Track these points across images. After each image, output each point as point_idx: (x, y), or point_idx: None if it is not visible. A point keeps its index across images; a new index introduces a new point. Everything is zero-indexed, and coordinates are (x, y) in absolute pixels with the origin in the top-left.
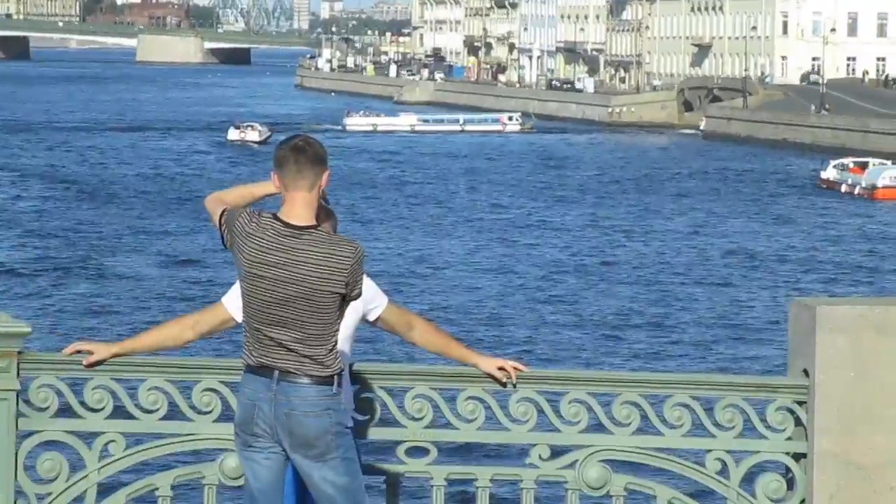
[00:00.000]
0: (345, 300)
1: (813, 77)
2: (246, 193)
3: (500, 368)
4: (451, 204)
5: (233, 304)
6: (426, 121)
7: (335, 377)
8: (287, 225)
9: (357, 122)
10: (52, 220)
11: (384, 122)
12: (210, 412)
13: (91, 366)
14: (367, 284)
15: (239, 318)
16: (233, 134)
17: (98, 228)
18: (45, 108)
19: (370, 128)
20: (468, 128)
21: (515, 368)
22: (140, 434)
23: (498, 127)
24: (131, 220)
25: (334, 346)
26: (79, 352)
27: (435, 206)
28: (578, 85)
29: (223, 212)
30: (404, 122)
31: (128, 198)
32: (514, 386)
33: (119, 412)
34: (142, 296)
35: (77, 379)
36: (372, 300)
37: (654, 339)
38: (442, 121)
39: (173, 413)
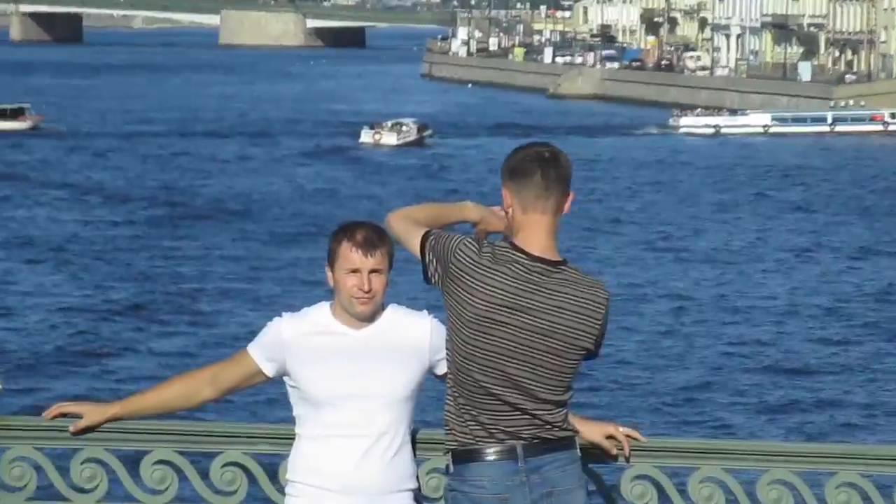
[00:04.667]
0: (587, 357)
1: None
2: (440, 214)
3: (609, 437)
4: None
5: (259, 353)
6: (783, 120)
7: (576, 440)
8: (533, 258)
9: (693, 122)
10: (121, 250)
11: (729, 123)
12: (234, 493)
13: (79, 433)
14: (440, 329)
15: (269, 371)
16: (365, 136)
17: (177, 262)
18: (106, 107)
19: (710, 130)
20: (840, 129)
21: (629, 437)
22: None
23: (877, 127)
24: (225, 249)
25: (567, 408)
26: (64, 415)
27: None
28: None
29: (427, 235)
30: (755, 122)
31: (223, 222)
32: (628, 460)
33: (116, 494)
34: (202, 345)
35: (62, 451)
36: (442, 349)
37: (816, 403)
38: (804, 120)
39: (186, 495)
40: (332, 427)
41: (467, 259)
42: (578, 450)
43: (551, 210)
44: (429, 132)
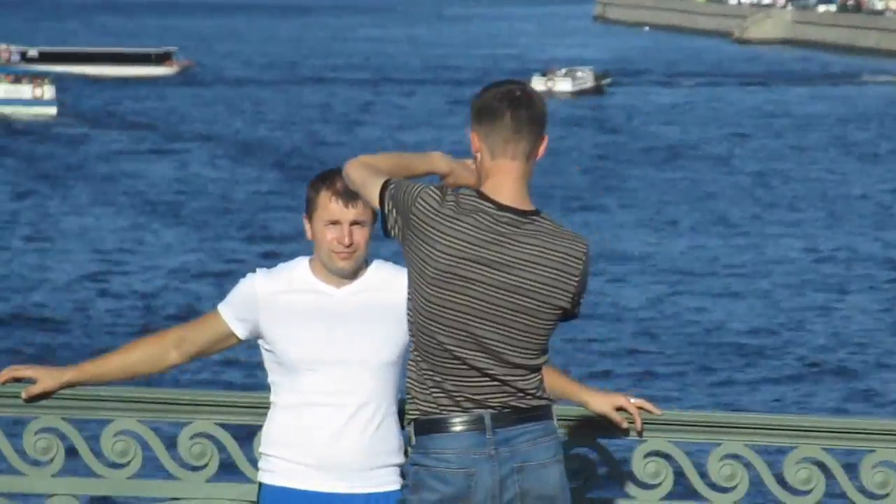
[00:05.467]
0: (564, 318)
1: None
2: (405, 164)
3: (619, 409)
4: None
5: (230, 312)
6: None
7: (552, 410)
8: (502, 207)
9: None
10: (256, 207)
11: None
12: (204, 467)
13: (32, 399)
14: None
15: (241, 333)
16: (537, 83)
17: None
18: (251, 51)
19: None
20: None
21: (641, 408)
22: (104, 497)
23: None
24: None
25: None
26: (17, 379)
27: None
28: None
29: (387, 184)
30: None
31: None
32: (640, 434)
33: (74, 467)
34: None
35: (14, 419)
36: None
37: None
38: None
39: (150, 468)
40: (308, 395)
41: (429, 208)
42: (555, 421)
43: (522, 155)
44: (608, 80)
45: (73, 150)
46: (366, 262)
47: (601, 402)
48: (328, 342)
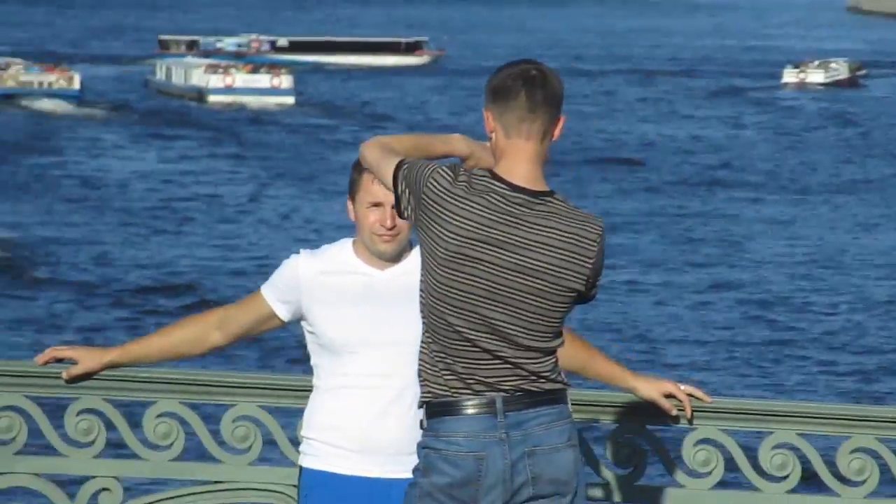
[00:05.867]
0: (579, 301)
1: None
2: (422, 145)
3: (669, 395)
4: None
5: (273, 294)
6: None
7: (567, 394)
8: (514, 188)
9: None
10: None
11: None
12: (247, 451)
13: (74, 380)
14: None
15: (284, 315)
16: (788, 75)
17: None
18: (501, 42)
19: None
20: None
21: (691, 395)
22: (145, 480)
23: None
24: (614, 201)
25: (556, 356)
26: (58, 360)
27: None
28: None
29: (400, 164)
30: None
31: (615, 171)
32: (690, 422)
33: (115, 448)
34: None
35: (55, 400)
36: None
37: None
38: None
39: (193, 451)
40: (350, 378)
41: (440, 188)
42: (569, 405)
43: (537, 135)
44: (862, 72)
45: (308, 139)
46: (410, 245)
47: (650, 389)
48: (371, 324)
